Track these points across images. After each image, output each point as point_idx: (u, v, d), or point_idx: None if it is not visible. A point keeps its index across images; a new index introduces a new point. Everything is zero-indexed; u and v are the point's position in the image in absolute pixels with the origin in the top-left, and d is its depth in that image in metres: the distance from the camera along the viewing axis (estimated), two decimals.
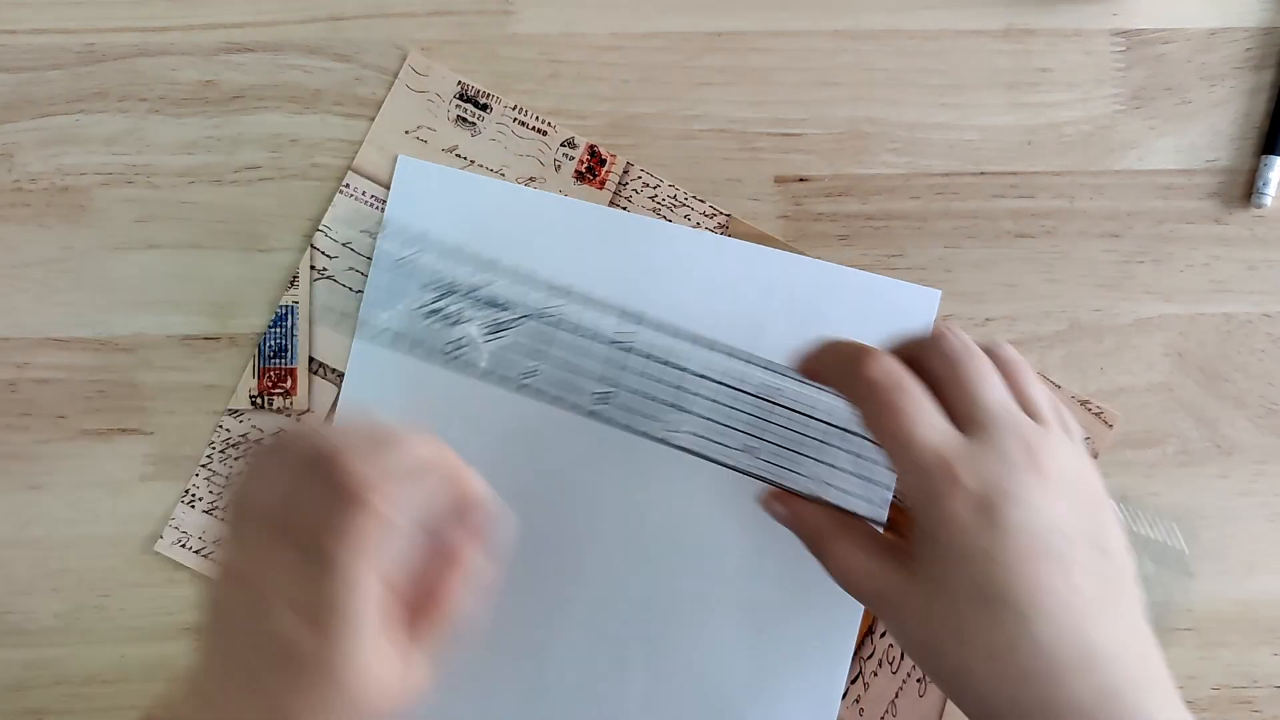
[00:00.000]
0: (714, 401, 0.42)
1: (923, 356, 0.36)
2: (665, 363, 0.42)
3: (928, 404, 0.35)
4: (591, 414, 0.42)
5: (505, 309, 0.42)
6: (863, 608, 0.44)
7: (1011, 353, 0.37)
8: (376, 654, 0.33)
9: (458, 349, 0.42)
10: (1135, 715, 0.33)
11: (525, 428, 0.43)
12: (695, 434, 0.42)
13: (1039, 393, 0.37)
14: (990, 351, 0.37)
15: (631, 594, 0.44)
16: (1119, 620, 0.34)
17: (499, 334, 0.42)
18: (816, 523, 0.39)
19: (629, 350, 0.42)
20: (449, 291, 0.42)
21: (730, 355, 0.41)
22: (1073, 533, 0.34)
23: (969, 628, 0.34)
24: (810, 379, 0.38)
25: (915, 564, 0.35)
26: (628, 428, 0.42)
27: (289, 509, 0.34)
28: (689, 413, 0.42)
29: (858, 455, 0.42)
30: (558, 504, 0.43)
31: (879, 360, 0.35)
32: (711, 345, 0.41)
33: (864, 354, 0.36)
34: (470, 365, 0.41)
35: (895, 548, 0.37)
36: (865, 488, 0.41)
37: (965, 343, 0.36)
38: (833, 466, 0.41)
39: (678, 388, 0.42)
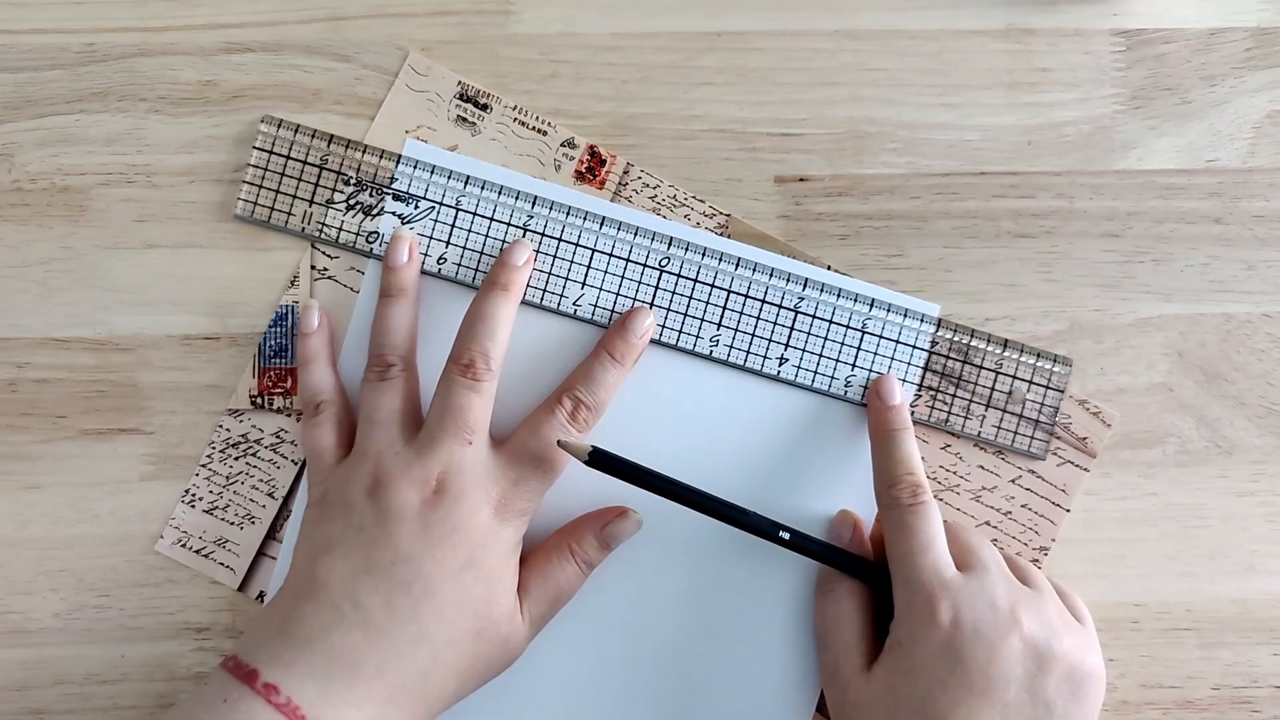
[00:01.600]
0: (614, 275, 0.43)
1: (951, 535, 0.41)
2: (570, 242, 0.43)
3: (941, 534, 0.40)
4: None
5: (415, 200, 0.43)
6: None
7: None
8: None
9: (375, 239, 0.43)
10: None
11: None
12: (594, 305, 0.43)
13: (1035, 571, 0.42)
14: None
15: (611, 592, 0.44)
16: None
17: (410, 225, 0.43)
18: (852, 564, 0.42)
19: (535, 232, 0.43)
20: (364, 185, 0.43)
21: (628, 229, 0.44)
22: (1022, 682, 0.38)
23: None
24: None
25: (877, 667, 0.39)
26: (538, 305, 0.43)
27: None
28: (590, 286, 0.43)
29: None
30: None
31: (914, 486, 0.41)
32: (602, 219, 0.44)
33: (903, 480, 0.41)
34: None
35: (873, 640, 0.41)
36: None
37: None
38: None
39: (584, 265, 0.43)
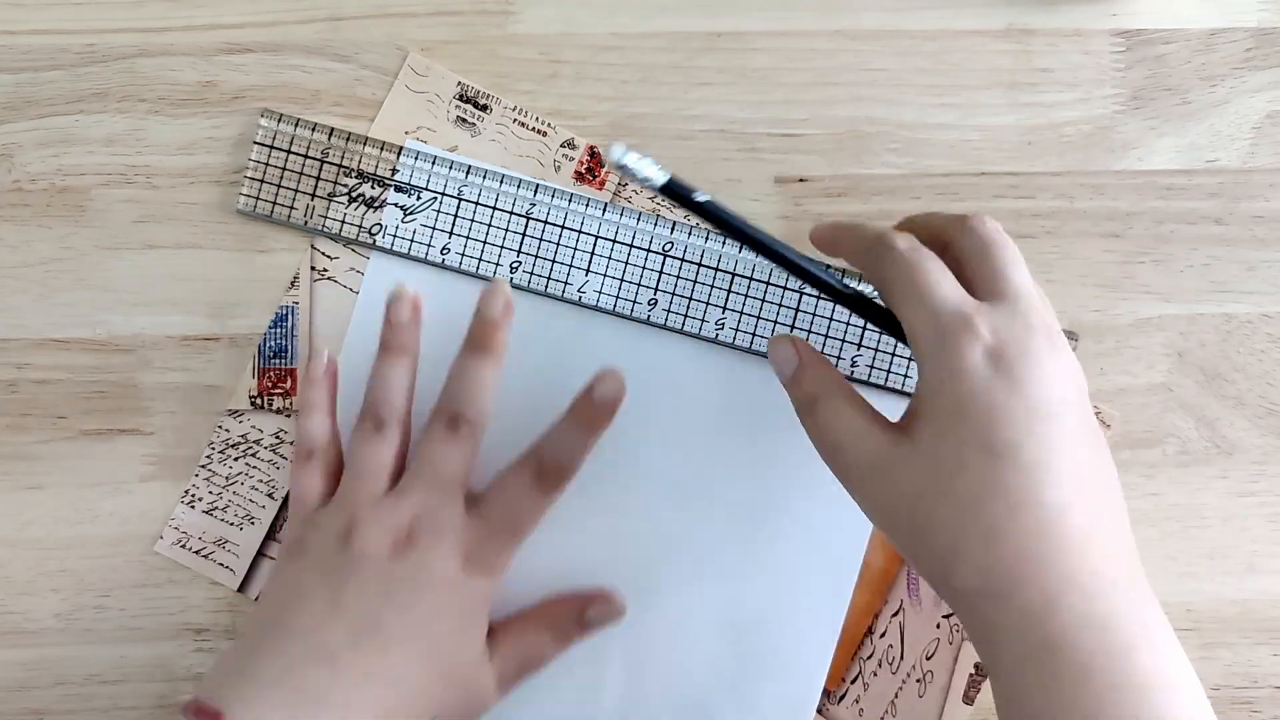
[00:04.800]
0: (618, 261, 0.43)
1: (951, 236, 0.37)
2: (573, 229, 0.43)
3: (949, 273, 0.35)
4: (511, 281, 0.43)
5: (417, 191, 0.43)
6: (844, 612, 0.44)
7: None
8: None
9: (376, 231, 0.43)
10: (1127, 605, 0.32)
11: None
12: (599, 291, 0.43)
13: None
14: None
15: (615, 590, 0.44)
16: (1113, 504, 0.34)
17: (412, 216, 0.43)
18: (820, 377, 0.37)
19: (538, 220, 0.43)
20: (366, 178, 0.43)
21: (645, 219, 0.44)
22: (1078, 409, 0.33)
23: (971, 486, 0.32)
24: (822, 248, 0.40)
25: (915, 425, 0.34)
26: (544, 293, 0.43)
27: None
28: (594, 273, 0.43)
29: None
30: None
31: (904, 236, 0.36)
32: (603, 207, 0.44)
33: (888, 232, 0.37)
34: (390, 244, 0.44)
35: (886, 420, 0.36)
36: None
37: (999, 229, 0.36)
38: (733, 311, 0.44)
39: (588, 252, 0.44)
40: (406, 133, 0.44)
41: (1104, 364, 0.45)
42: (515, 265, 0.44)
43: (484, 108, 0.44)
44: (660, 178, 0.35)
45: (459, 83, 0.44)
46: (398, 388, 0.42)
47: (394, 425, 0.41)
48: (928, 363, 0.34)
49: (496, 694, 0.41)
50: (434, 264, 0.44)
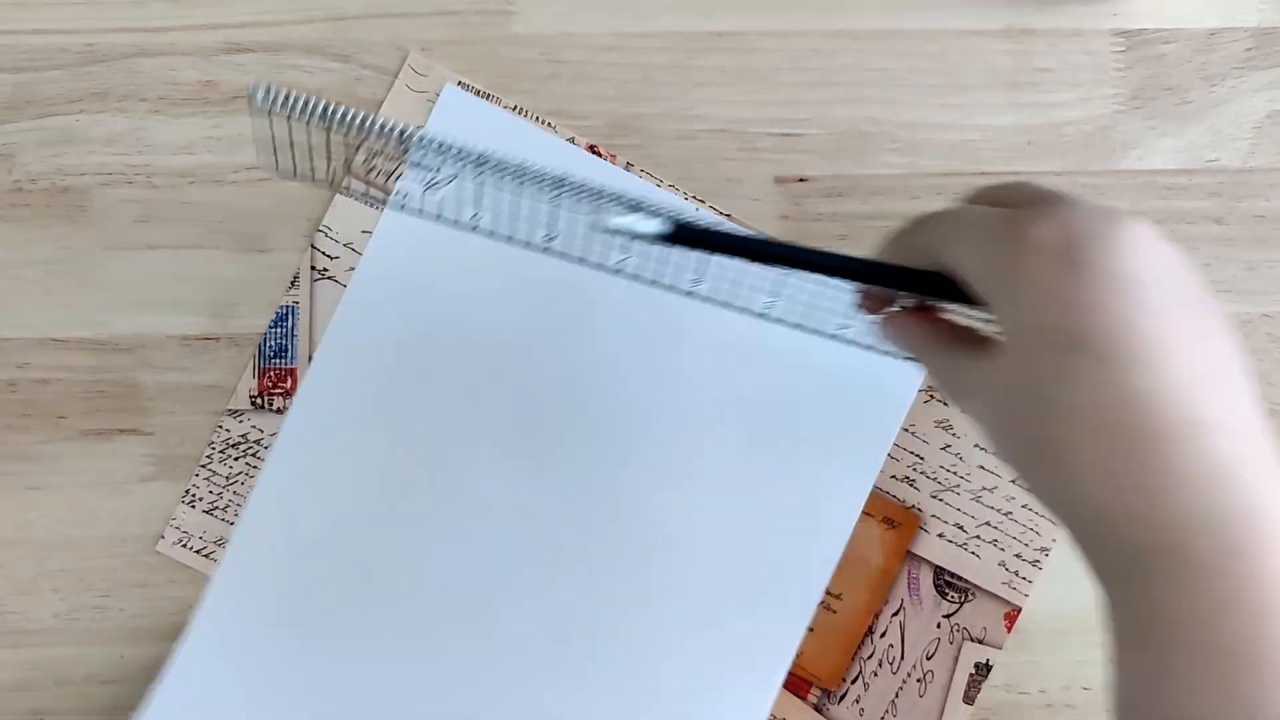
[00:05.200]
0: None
1: (988, 200, 0.34)
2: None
3: (979, 207, 0.33)
4: (545, 250, 0.41)
5: (439, 165, 0.41)
6: (812, 612, 0.44)
7: None
8: None
9: (403, 199, 0.41)
10: (1254, 498, 0.27)
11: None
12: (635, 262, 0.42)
13: None
14: None
15: (573, 582, 0.44)
16: (1231, 389, 0.29)
17: (435, 186, 0.41)
18: (917, 347, 0.35)
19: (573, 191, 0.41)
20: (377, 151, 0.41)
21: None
22: (1170, 287, 0.29)
23: (1052, 386, 0.29)
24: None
25: (995, 342, 0.31)
26: (580, 260, 0.41)
27: None
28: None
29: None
30: (514, 472, 0.44)
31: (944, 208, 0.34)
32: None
33: (926, 212, 0.34)
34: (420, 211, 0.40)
35: (974, 343, 0.33)
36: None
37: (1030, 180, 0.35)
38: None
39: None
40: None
41: None
42: (549, 238, 0.42)
43: None
44: (663, 226, 0.32)
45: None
46: None
47: None
48: (992, 286, 0.31)
49: None
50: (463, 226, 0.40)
